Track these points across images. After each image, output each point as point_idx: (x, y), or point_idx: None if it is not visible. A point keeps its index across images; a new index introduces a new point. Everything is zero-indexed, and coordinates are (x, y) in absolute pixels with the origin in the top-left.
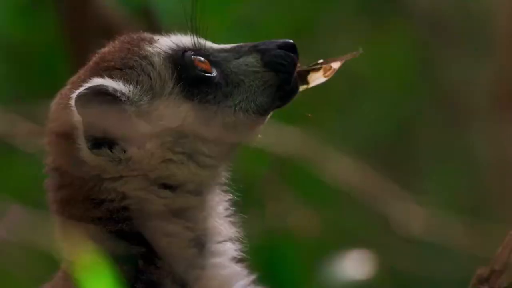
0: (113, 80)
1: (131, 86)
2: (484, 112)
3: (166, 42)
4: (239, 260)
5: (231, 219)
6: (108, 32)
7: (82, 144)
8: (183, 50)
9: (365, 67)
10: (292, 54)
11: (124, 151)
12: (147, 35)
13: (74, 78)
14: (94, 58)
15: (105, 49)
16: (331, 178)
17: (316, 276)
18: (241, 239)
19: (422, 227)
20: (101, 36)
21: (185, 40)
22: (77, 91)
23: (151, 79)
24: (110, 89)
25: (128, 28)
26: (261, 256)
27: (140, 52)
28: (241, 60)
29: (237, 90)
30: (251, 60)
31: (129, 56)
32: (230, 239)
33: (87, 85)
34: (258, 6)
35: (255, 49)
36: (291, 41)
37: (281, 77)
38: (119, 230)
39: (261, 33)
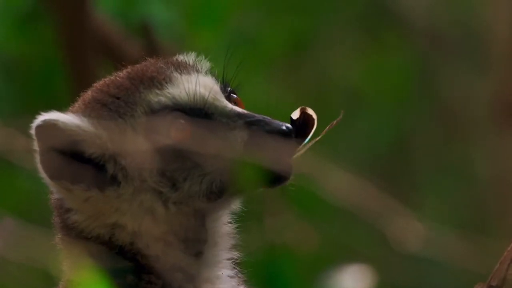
0: (90, 115)
1: (101, 128)
2: (483, 126)
3: (165, 93)
4: (235, 276)
5: (229, 234)
6: (105, 47)
7: (41, 171)
8: (173, 109)
9: (363, 81)
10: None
11: (86, 190)
12: (161, 73)
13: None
14: (105, 80)
15: (117, 75)
16: (330, 192)
17: None
18: (240, 253)
19: (420, 242)
20: (98, 51)
21: (183, 96)
22: (35, 121)
23: (126, 126)
24: (61, 125)
25: (125, 43)
26: (260, 271)
27: (131, 98)
28: (232, 133)
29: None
30: (237, 139)
31: (119, 95)
32: (226, 254)
33: (42, 117)
34: (256, 19)
35: (248, 126)
36: (285, 128)
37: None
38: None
39: (258, 46)
